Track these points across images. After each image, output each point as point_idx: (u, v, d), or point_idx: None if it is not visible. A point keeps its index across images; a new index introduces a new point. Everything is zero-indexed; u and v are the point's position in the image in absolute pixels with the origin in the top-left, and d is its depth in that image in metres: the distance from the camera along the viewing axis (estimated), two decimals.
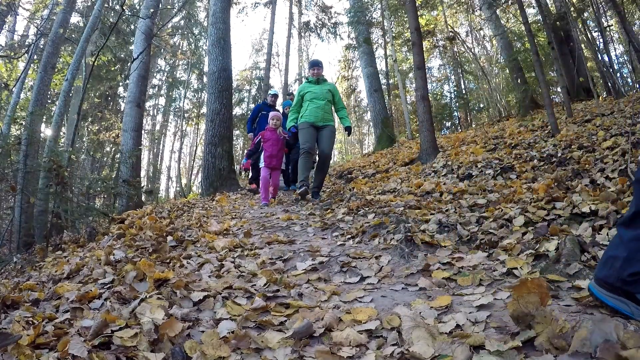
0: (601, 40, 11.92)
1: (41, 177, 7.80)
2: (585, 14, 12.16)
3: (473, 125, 17.32)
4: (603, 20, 11.74)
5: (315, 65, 6.23)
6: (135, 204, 8.54)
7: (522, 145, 6.41)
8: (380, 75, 16.86)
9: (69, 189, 6.53)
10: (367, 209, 4.13)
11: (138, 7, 16.60)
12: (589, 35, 12.25)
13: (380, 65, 20.09)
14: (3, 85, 14.24)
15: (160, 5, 13.08)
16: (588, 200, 2.80)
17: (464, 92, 20.24)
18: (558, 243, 2.23)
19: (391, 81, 20.03)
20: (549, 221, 2.73)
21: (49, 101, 13.84)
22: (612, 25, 12.77)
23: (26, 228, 7.70)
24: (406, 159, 8.41)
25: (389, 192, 5.28)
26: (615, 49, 16.37)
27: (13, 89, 12.56)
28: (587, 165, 4.21)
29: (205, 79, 20.94)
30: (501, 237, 2.64)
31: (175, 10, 21.51)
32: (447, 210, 3.52)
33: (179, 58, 23.91)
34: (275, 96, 8.84)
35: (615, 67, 13.11)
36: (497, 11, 15.00)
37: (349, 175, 8.81)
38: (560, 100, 12.61)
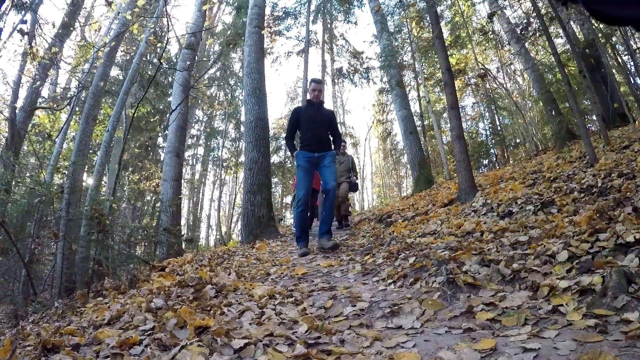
0: (632, 63, 11.69)
1: (83, 225, 7.99)
2: (614, 39, 11.97)
3: (510, 162, 17.00)
4: (632, 42, 11.52)
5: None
6: (175, 252, 8.65)
7: (562, 178, 6.25)
8: (414, 117, 16.80)
9: (110, 236, 6.68)
10: (407, 252, 4.07)
11: (175, 60, 17.39)
12: (620, 60, 12.05)
13: (414, 107, 20.17)
14: (46, 135, 14.76)
15: (196, 58, 13.60)
16: (632, 229, 2.69)
17: (499, 128, 20.03)
18: (604, 276, 2.15)
19: (426, 122, 20.11)
20: (593, 254, 2.63)
21: (91, 151, 14.30)
22: None
23: (68, 274, 7.83)
24: (445, 200, 8.27)
25: (429, 234, 5.19)
26: None
27: (56, 140, 13.01)
28: (628, 193, 4.07)
29: (242, 129, 21.45)
30: (545, 273, 2.56)
31: (211, 62, 22.41)
32: (488, 250, 3.44)
33: (216, 108, 24.60)
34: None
35: None
36: (526, 44, 14.94)
37: (389, 219, 8.72)
38: (597, 129, 12.33)
